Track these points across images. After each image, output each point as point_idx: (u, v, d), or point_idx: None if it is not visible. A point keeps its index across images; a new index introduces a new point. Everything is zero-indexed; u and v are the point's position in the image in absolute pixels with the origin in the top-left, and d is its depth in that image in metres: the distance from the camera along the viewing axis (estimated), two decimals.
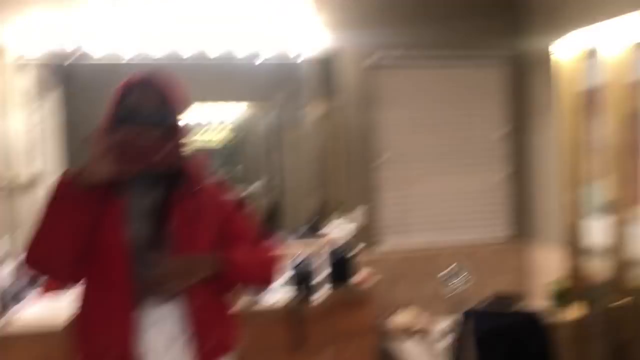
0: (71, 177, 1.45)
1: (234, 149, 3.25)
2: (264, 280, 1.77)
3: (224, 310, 1.74)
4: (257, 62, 2.97)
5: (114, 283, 1.55)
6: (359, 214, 3.15)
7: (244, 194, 2.90)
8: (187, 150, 1.64)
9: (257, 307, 2.50)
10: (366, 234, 3.17)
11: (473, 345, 2.35)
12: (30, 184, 2.83)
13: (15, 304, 2.48)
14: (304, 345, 2.47)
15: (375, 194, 3.27)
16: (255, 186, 3.21)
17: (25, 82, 2.84)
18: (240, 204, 1.78)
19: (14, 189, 2.75)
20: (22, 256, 1.52)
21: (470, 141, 3.38)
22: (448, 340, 2.76)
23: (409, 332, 2.99)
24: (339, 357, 2.57)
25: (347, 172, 3.20)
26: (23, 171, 2.81)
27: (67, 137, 2.98)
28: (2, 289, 2.41)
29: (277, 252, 1.80)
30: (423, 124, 3.32)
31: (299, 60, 3.05)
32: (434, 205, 3.35)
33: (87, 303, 1.60)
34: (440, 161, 3.35)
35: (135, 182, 1.57)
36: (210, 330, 1.64)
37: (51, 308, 2.53)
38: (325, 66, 3.12)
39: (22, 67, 2.81)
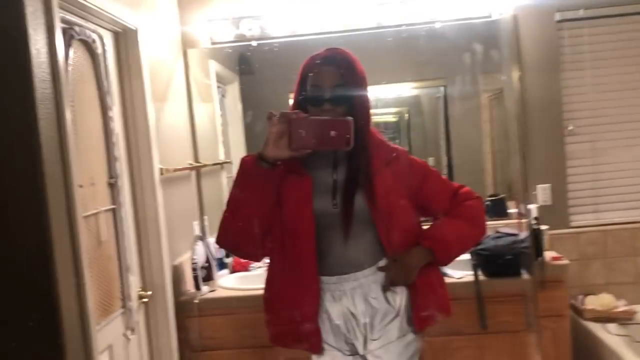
0: (255, 156, 1.51)
1: (406, 126, 3.19)
2: (478, 239, 1.82)
3: (438, 281, 1.74)
4: (440, 25, 2.88)
5: (300, 257, 1.60)
6: (544, 190, 2.93)
7: None
8: (368, 124, 1.63)
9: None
10: (554, 211, 2.94)
11: None
12: (219, 169, 3.04)
13: (213, 277, 2.68)
14: (488, 324, 2.36)
15: (563, 168, 3.00)
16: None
17: (211, 69, 3.04)
18: (427, 165, 1.76)
19: (203, 174, 2.97)
20: (216, 234, 1.62)
21: None
22: None
23: (607, 316, 2.72)
24: (532, 339, 2.44)
25: (531, 144, 2.97)
26: (211, 156, 3.02)
27: (249, 121, 3.15)
28: (201, 263, 2.63)
29: (478, 197, 1.75)
30: (616, 88, 2.97)
31: (483, 23, 2.89)
32: (631, 179, 3.00)
33: (276, 275, 1.68)
34: (638, 128, 2.98)
35: (320, 158, 1.60)
36: (425, 300, 1.66)
37: (244, 279, 2.72)
38: (509, 29, 2.91)
39: (209, 55, 3.00)
